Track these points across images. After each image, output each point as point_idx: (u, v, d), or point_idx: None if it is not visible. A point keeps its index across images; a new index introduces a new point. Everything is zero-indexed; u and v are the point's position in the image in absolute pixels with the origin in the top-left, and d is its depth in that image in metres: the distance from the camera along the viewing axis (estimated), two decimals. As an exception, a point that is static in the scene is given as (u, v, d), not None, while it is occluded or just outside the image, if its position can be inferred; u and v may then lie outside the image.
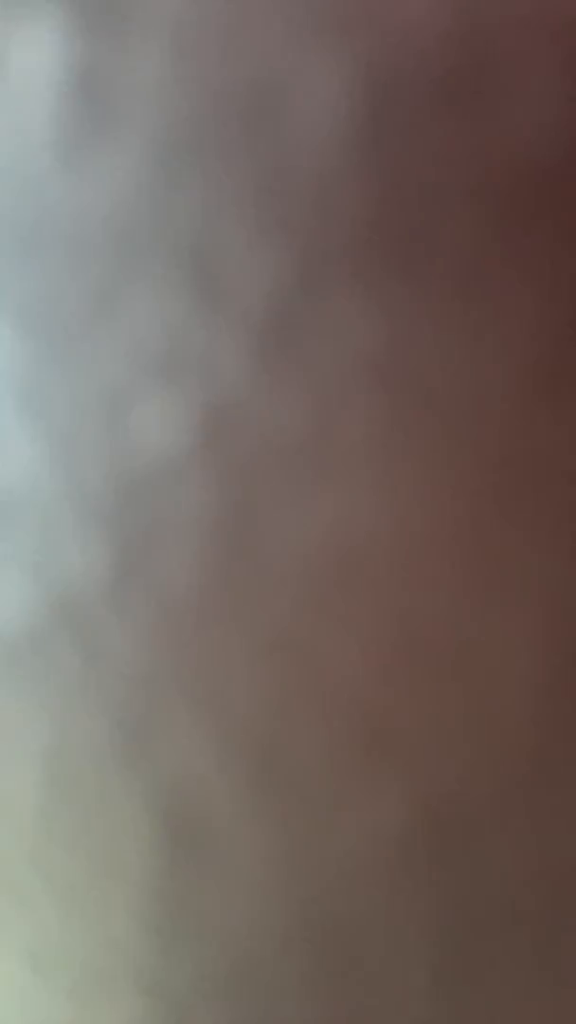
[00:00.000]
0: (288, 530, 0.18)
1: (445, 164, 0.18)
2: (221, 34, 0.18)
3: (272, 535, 0.18)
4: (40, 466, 0.19)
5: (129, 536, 0.18)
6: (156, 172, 0.18)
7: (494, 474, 0.18)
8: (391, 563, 0.18)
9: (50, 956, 0.20)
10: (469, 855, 0.18)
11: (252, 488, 0.18)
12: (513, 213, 0.18)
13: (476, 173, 0.18)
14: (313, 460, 0.18)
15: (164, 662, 0.18)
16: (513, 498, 0.18)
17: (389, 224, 0.18)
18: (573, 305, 0.18)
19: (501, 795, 0.18)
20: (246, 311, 0.18)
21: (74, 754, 0.19)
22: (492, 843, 0.18)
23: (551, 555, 0.18)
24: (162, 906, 0.19)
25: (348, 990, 0.19)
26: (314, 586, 0.18)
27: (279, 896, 0.19)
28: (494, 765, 0.18)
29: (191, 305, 0.18)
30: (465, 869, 0.18)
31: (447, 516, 0.18)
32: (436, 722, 0.18)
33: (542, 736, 0.18)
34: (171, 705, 0.18)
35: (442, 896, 0.18)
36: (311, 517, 0.18)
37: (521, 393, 0.18)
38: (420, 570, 0.18)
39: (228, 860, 0.19)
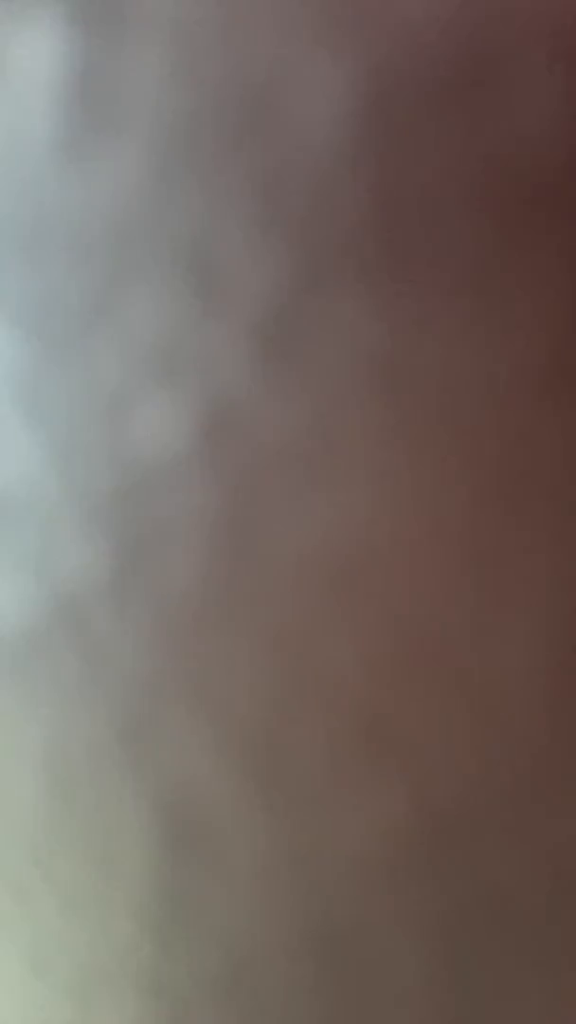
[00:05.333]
0: (288, 530, 0.18)
1: (445, 163, 0.18)
2: (221, 34, 0.18)
3: (272, 535, 0.18)
4: (40, 466, 0.19)
5: (129, 536, 0.18)
6: (156, 172, 0.18)
7: (495, 474, 0.18)
8: (392, 563, 0.18)
9: (51, 956, 0.20)
10: (470, 855, 0.18)
11: (252, 488, 0.18)
12: (513, 211, 0.18)
13: (476, 172, 0.18)
14: (313, 460, 0.18)
15: (164, 662, 0.18)
16: (514, 499, 0.18)
17: (389, 224, 0.18)
18: (574, 304, 0.18)
19: (502, 795, 0.18)
20: (246, 311, 0.18)
21: (74, 754, 0.19)
22: (493, 843, 0.18)
23: (553, 556, 0.18)
24: (162, 906, 0.19)
25: (348, 990, 0.19)
26: (314, 586, 0.18)
27: (279, 896, 0.19)
28: (495, 765, 0.18)
29: (191, 305, 0.18)
30: (466, 869, 0.18)
31: (448, 516, 0.18)
32: (437, 722, 0.18)
33: (543, 736, 0.18)
34: (171, 705, 0.18)
35: (443, 896, 0.18)
36: (311, 517, 0.18)
37: (522, 393, 0.18)
38: (421, 570, 0.18)
39: (228, 860, 0.19)
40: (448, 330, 0.18)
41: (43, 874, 0.19)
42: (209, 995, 0.19)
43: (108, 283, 0.18)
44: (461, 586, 0.18)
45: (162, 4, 0.18)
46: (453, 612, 0.18)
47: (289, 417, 0.18)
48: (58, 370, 0.18)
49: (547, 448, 0.18)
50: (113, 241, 0.18)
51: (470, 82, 0.18)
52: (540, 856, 0.18)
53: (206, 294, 0.18)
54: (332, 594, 0.18)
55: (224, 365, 0.18)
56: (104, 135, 0.18)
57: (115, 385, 0.18)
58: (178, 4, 0.18)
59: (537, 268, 0.18)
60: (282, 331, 0.18)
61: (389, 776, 0.18)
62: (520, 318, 0.18)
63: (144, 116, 0.18)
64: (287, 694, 0.18)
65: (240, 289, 0.18)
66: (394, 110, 0.18)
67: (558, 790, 0.18)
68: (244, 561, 0.18)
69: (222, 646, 0.18)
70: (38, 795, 0.19)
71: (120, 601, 0.18)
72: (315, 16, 0.18)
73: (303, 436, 0.18)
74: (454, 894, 0.18)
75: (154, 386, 0.18)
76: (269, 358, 0.18)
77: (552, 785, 0.18)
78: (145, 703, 0.18)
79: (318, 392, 0.18)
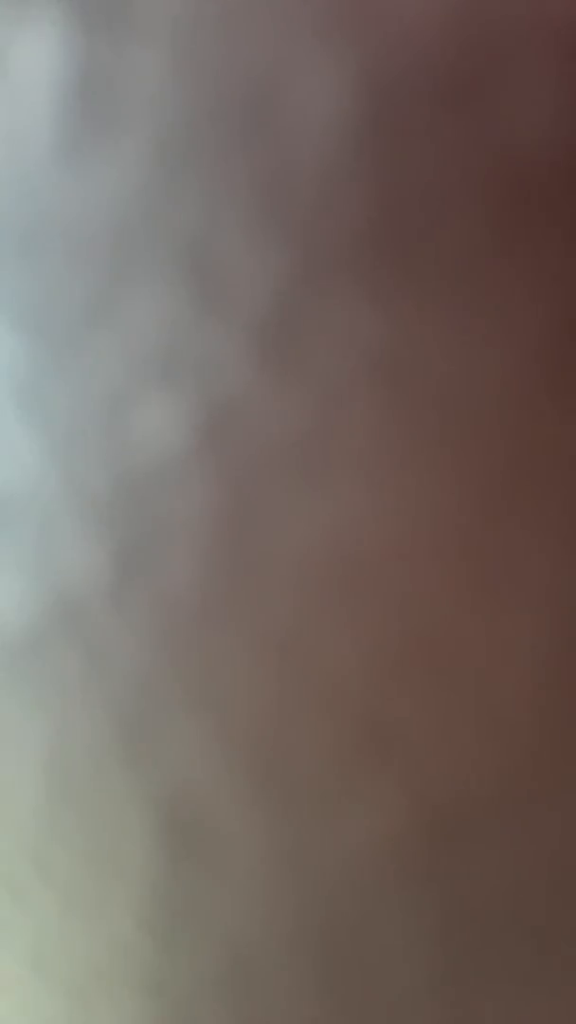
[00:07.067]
0: (289, 530, 0.18)
1: (445, 163, 0.18)
2: (221, 34, 0.18)
3: (273, 535, 0.18)
4: (40, 466, 0.19)
5: (129, 536, 0.18)
6: (156, 172, 0.18)
7: (496, 472, 0.18)
8: (393, 563, 0.18)
9: (51, 956, 0.20)
10: (470, 856, 0.18)
11: (252, 488, 0.18)
12: (513, 212, 0.18)
13: (476, 172, 0.18)
14: (314, 460, 0.18)
15: (164, 662, 0.18)
16: (515, 497, 0.18)
17: (389, 224, 0.18)
18: (574, 304, 0.18)
19: (503, 795, 0.18)
20: (246, 311, 0.18)
21: (74, 754, 0.19)
22: (493, 843, 0.18)
23: (554, 555, 0.18)
24: (162, 906, 0.19)
25: (348, 990, 0.19)
26: (315, 586, 0.18)
27: (279, 896, 0.19)
28: (496, 766, 0.18)
29: (191, 305, 0.18)
30: (466, 869, 0.18)
31: (449, 515, 0.18)
32: (438, 723, 0.18)
33: (544, 736, 0.18)
34: (171, 705, 0.18)
35: (443, 897, 0.18)
36: (312, 517, 0.18)
37: (523, 392, 0.18)
38: (422, 570, 0.18)
39: (229, 860, 0.19)
40: (449, 330, 0.18)
41: (43, 874, 0.19)
42: (209, 995, 0.19)
43: (108, 283, 0.18)
44: (463, 586, 0.18)
45: (162, 4, 0.18)
46: (454, 612, 0.18)
47: (289, 417, 0.18)
48: (58, 370, 0.18)
49: (549, 446, 0.18)
50: (113, 241, 0.18)
51: (471, 81, 0.18)
52: (541, 856, 0.18)
53: (206, 294, 0.18)
54: (332, 594, 0.18)
55: (224, 365, 0.18)
56: (105, 135, 0.18)
57: (115, 385, 0.18)
58: (179, 4, 0.18)
59: (538, 267, 0.18)
60: (282, 331, 0.18)
61: (389, 776, 0.18)
62: (521, 317, 0.18)
63: (144, 116, 0.18)
64: (287, 694, 0.18)
65: (240, 289, 0.18)
66: (395, 109, 0.18)
67: (558, 790, 0.18)
68: (244, 561, 0.18)
69: (222, 646, 0.18)
70: (38, 795, 0.19)
71: (120, 601, 0.18)
72: (316, 16, 0.18)
73: (303, 436, 0.18)
74: (455, 894, 0.18)
75: (154, 386, 0.18)
76: (269, 358, 0.18)
77: (552, 785, 0.18)
78: (145, 703, 0.18)
79: (318, 392, 0.18)
